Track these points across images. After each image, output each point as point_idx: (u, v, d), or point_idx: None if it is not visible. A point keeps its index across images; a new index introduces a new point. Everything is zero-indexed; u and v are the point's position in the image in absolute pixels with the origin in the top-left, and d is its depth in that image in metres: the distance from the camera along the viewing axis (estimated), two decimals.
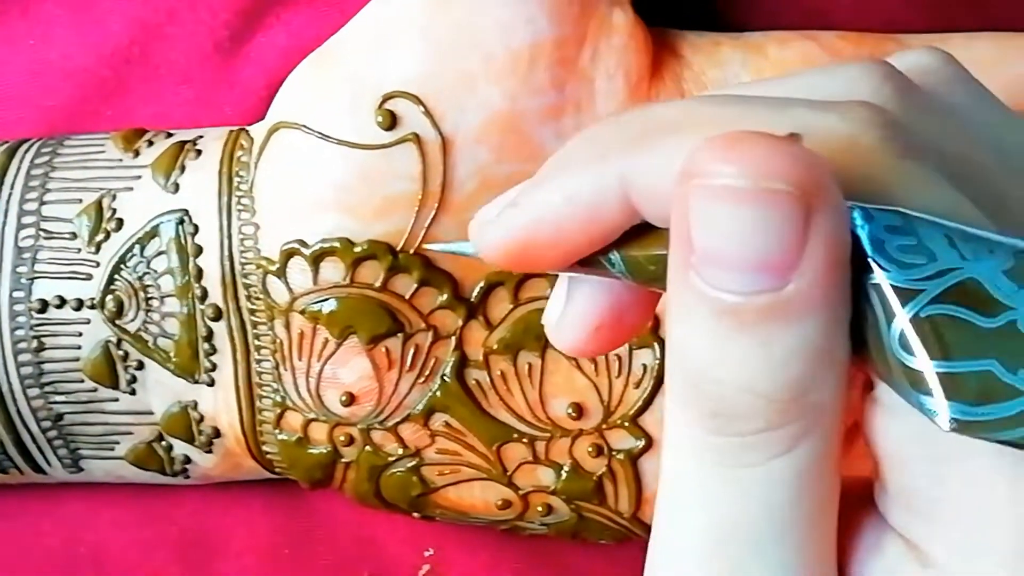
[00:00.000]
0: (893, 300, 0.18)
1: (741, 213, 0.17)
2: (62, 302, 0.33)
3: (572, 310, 0.23)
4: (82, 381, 0.34)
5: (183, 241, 0.33)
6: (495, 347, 0.33)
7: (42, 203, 0.34)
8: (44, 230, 0.33)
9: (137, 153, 0.34)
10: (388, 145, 0.31)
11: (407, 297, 0.32)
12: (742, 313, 0.18)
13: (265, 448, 0.35)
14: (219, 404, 0.34)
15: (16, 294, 0.33)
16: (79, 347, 0.33)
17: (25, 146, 0.35)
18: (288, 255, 0.32)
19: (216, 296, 0.33)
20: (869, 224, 0.18)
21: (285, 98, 0.33)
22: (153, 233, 0.33)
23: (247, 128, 0.34)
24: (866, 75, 0.21)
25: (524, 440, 0.34)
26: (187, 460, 0.35)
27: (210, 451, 0.35)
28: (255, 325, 0.33)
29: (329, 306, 0.32)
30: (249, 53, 0.37)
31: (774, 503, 0.19)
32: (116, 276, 0.33)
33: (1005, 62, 0.33)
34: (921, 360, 0.18)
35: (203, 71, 0.37)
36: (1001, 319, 0.18)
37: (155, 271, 0.33)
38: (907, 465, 0.20)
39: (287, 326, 0.33)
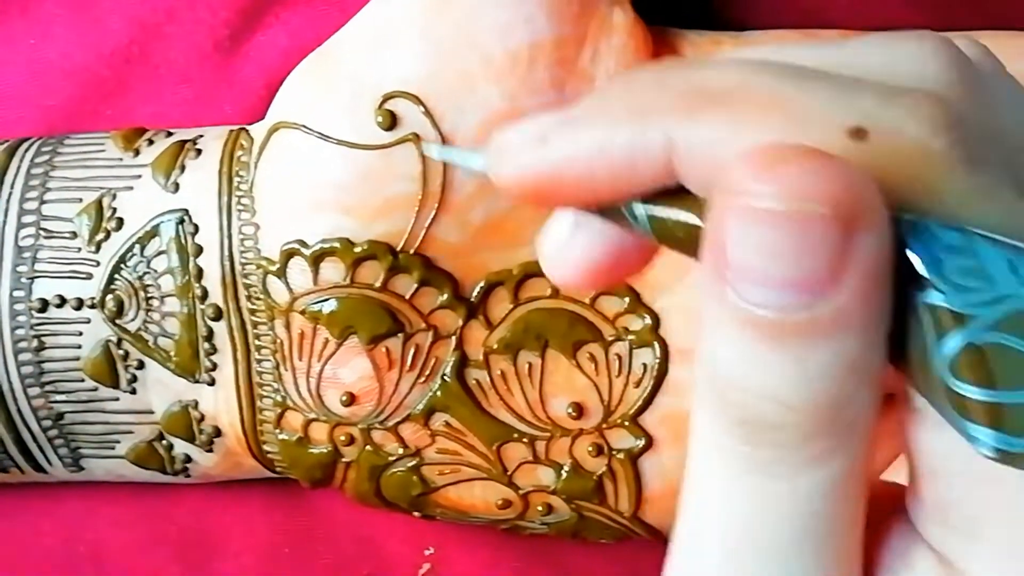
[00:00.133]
0: (946, 323, 0.17)
1: (777, 234, 0.17)
2: (62, 301, 0.33)
3: (573, 248, 0.23)
4: (82, 380, 0.34)
5: (183, 241, 0.33)
6: (495, 347, 0.33)
7: (42, 202, 0.34)
8: (44, 229, 0.33)
9: (137, 152, 0.34)
10: (388, 145, 0.31)
11: (407, 297, 0.32)
12: (777, 328, 0.18)
13: (266, 447, 0.35)
14: (220, 403, 0.34)
15: (16, 293, 0.33)
16: (79, 346, 0.33)
17: (25, 145, 0.35)
18: (288, 255, 0.32)
19: (216, 296, 0.33)
20: (928, 241, 0.18)
21: (285, 98, 0.33)
22: (153, 232, 0.33)
23: (247, 128, 0.34)
24: (933, 55, 0.20)
25: (524, 440, 0.34)
26: (188, 459, 0.35)
27: (211, 450, 0.35)
28: (255, 325, 0.33)
29: (329, 306, 0.32)
30: (249, 52, 0.37)
31: (798, 516, 0.19)
32: (116, 275, 0.33)
33: (1007, 60, 0.33)
34: (968, 387, 0.17)
35: (203, 70, 0.37)
36: None
37: (155, 271, 0.33)
38: (947, 480, 0.19)
39: (287, 326, 0.33)
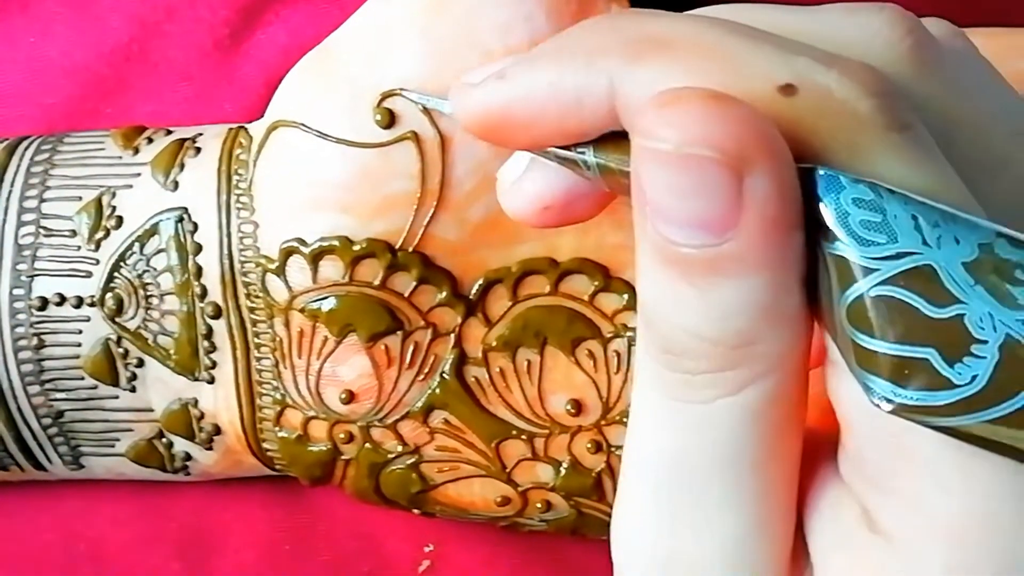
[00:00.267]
0: (848, 274, 0.18)
1: (675, 176, 0.18)
2: (62, 300, 0.33)
3: (527, 182, 0.24)
4: (82, 378, 0.34)
5: (182, 239, 0.33)
6: (494, 344, 0.33)
7: (42, 200, 0.34)
8: (44, 228, 0.34)
9: (137, 151, 0.34)
10: (387, 143, 0.31)
11: (406, 295, 0.33)
12: (685, 263, 0.19)
13: (265, 445, 0.35)
14: (219, 401, 0.34)
15: (16, 292, 0.33)
16: (79, 344, 0.34)
17: (25, 143, 0.35)
18: (287, 253, 0.32)
19: (215, 294, 0.33)
20: (836, 192, 0.18)
21: (284, 96, 0.33)
22: (153, 231, 0.33)
23: (246, 126, 0.34)
24: (887, 25, 0.21)
25: (523, 437, 0.34)
26: (187, 457, 0.35)
27: (210, 448, 0.35)
28: (255, 323, 0.33)
29: (328, 304, 0.32)
30: (248, 51, 0.37)
31: (718, 441, 0.20)
32: (116, 274, 0.33)
33: (1002, 58, 0.33)
34: (864, 337, 0.18)
35: (202, 69, 0.37)
36: (949, 311, 0.18)
37: (155, 269, 0.33)
38: (861, 432, 0.20)
39: (287, 324, 0.33)
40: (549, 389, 0.34)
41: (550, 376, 0.33)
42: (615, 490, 0.33)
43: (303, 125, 0.32)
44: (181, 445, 0.35)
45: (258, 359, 0.34)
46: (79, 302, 0.33)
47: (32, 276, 0.33)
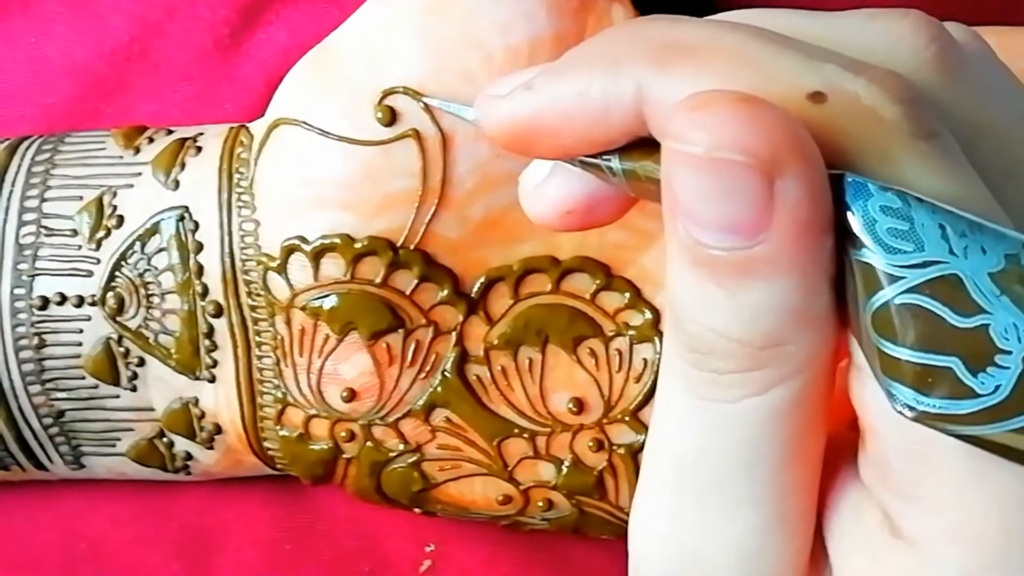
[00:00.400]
0: (874, 281, 0.18)
1: (705, 179, 0.18)
2: (63, 299, 0.33)
3: (549, 187, 0.24)
4: (83, 378, 0.34)
5: (184, 238, 0.33)
6: (496, 342, 0.33)
7: (43, 200, 0.34)
8: (45, 227, 0.34)
9: (138, 150, 0.34)
10: (388, 141, 0.31)
11: (407, 293, 0.33)
12: (715, 265, 0.19)
13: (266, 444, 0.35)
14: (220, 400, 0.34)
15: (17, 291, 0.33)
16: (80, 344, 0.33)
17: (26, 143, 0.35)
18: (288, 251, 0.32)
19: (217, 293, 0.33)
20: (864, 200, 0.18)
21: (285, 95, 0.33)
22: (154, 230, 0.33)
23: (247, 125, 0.34)
24: (912, 31, 0.21)
25: (525, 435, 0.34)
26: (188, 456, 0.35)
27: (211, 447, 0.35)
28: (256, 321, 0.33)
29: (330, 302, 0.32)
30: (249, 50, 0.37)
31: (742, 440, 0.20)
32: (117, 273, 0.33)
33: (1006, 57, 0.33)
34: (888, 344, 0.18)
35: (203, 68, 0.37)
36: (974, 321, 0.18)
37: (156, 268, 0.33)
38: (886, 440, 0.20)
39: (288, 322, 0.33)
40: (551, 387, 0.34)
41: (552, 374, 0.33)
42: (617, 488, 0.34)
43: (304, 123, 0.32)
44: (182, 444, 0.35)
45: (259, 358, 0.34)
46: (80, 301, 0.33)
47: (33, 275, 0.33)
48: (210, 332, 0.33)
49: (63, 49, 0.37)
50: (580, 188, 0.24)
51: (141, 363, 0.34)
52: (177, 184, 0.34)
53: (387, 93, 0.31)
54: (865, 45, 0.21)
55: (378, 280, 0.32)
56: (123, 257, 0.33)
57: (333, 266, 0.32)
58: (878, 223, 0.18)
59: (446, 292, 0.33)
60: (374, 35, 0.32)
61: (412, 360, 0.33)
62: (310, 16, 0.36)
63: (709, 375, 0.20)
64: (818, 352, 0.20)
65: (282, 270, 0.32)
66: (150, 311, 0.33)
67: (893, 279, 0.18)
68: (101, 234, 0.33)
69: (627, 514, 0.34)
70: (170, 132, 0.35)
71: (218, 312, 0.33)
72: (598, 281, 0.33)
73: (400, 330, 0.33)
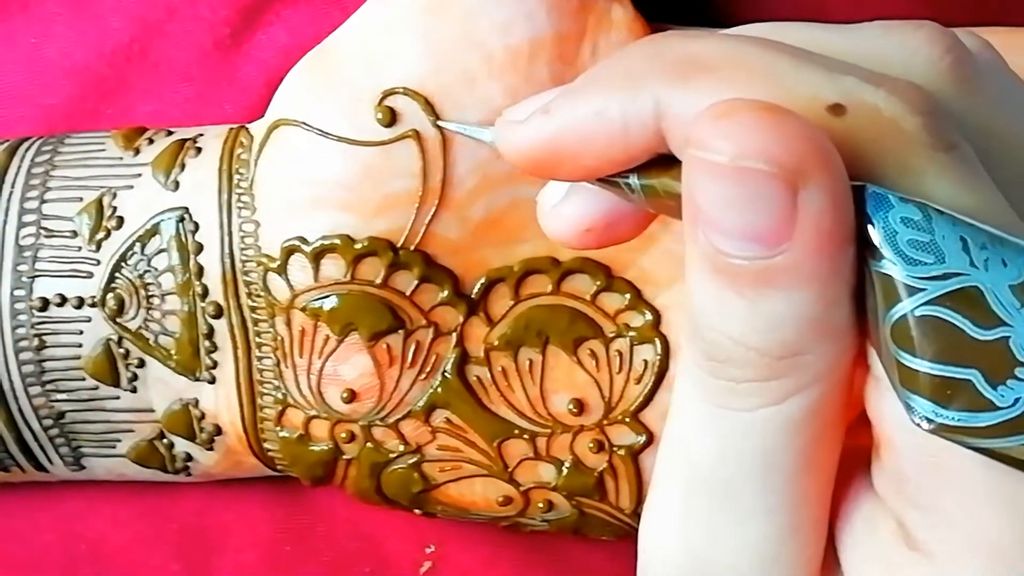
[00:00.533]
0: (894, 293, 0.18)
1: (728, 187, 0.18)
2: (63, 300, 0.33)
3: (567, 206, 0.24)
4: (83, 379, 0.34)
5: (184, 239, 0.33)
6: (496, 343, 0.33)
7: (43, 201, 0.34)
8: (45, 228, 0.34)
9: (137, 151, 0.34)
10: (388, 142, 0.31)
11: (408, 294, 0.32)
12: (735, 274, 0.19)
13: (266, 445, 0.35)
14: (220, 401, 0.34)
15: (17, 292, 0.33)
16: (80, 345, 0.33)
17: (26, 144, 0.35)
18: (289, 252, 0.32)
19: (217, 294, 0.33)
20: (885, 211, 0.18)
21: (285, 95, 0.33)
22: (154, 231, 0.33)
23: (247, 126, 0.34)
24: (927, 43, 0.21)
25: (525, 436, 0.34)
26: (188, 458, 0.35)
27: (211, 448, 0.35)
28: (256, 322, 0.33)
29: (330, 303, 0.32)
30: (249, 51, 0.37)
31: (757, 449, 0.20)
32: (117, 274, 0.33)
33: (1007, 57, 0.33)
34: (907, 356, 0.18)
35: (203, 69, 0.37)
36: (994, 333, 0.18)
37: (156, 269, 0.33)
38: (903, 452, 0.20)
39: (288, 323, 0.33)
40: (551, 388, 0.33)
41: (552, 375, 0.33)
42: (617, 490, 0.34)
43: (304, 124, 0.32)
44: (182, 446, 0.35)
45: (259, 359, 0.34)
46: (80, 303, 0.33)
47: (33, 277, 0.33)
48: (210, 333, 0.33)
49: (63, 50, 0.37)
50: (599, 206, 0.24)
51: (141, 364, 0.34)
52: (177, 185, 0.34)
53: (387, 93, 0.31)
54: (881, 57, 0.21)
55: (378, 281, 0.32)
56: (123, 258, 0.33)
57: (333, 267, 0.32)
58: (898, 234, 0.18)
59: (446, 293, 0.33)
60: (374, 35, 0.32)
61: (412, 361, 0.33)
62: (310, 17, 0.36)
63: (726, 383, 0.20)
64: (836, 363, 0.20)
65: (282, 271, 0.32)
66: (150, 312, 0.33)
67: (913, 291, 0.18)
68: (101, 235, 0.33)
69: (627, 515, 0.34)
70: (170, 133, 0.35)
71: (218, 313, 0.33)
72: (598, 282, 0.33)
73: (400, 331, 0.33)
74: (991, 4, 0.35)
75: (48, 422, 0.34)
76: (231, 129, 0.34)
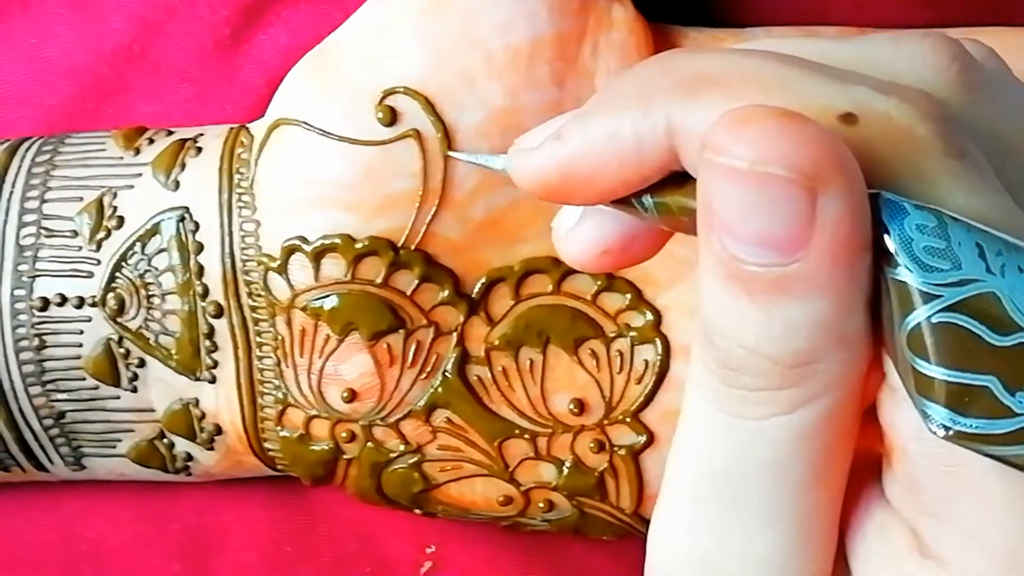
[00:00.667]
0: (910, 300, 0.18)
1: (746, 193, 0.18)
2: (63, 300, 0.33)
3: (583, 229, 0.24)
4: (83, 379, 0.34)
5: (184, 238, 0.33)
6: (496, 343, 0.33)
7: (43, 201, 0.34)
8: (45, 228, 0.34)
9: (138, 151, 0.34)
10: (388, 141, 0.31)
11: (408, 293, 0.32)
12: (750, 281, 0.19)
13: (267, 445, 0.35)
14: (220, 401, 0.34)
15: (17, 292, 0.33)
16: (80, 345, 0.33)
17: (26, 144, 0.35)
18: (289, 252, 0.32)
19: (217, 293, 0.33)
20: (900, 218, 0.18)
21: (285, 95, 0.33)
22: (154, 231, 0.33)
23: (247, 125, 0.34)
24: (933, 52, 0.21)
25: (525, 436, 0.34)
26: (189, 457, 0.35)
27: (212, 448, 0.35)
28: (256, 322, 0.33)
29: (330, 302, 0.32)
30: (250, 51, 0.37)
31: (766, 458, 0.20)
32: (117, 274, 0.33)
33: (1007, 57, 0.33)
34: (924, 363, 0.18)
35: (204, 69, 0.37)
36: (1012, 339, 0.18)
37: (156, 268, 0.33)
38: (918, 461, 0.20)
39: (288, 323, 0.33)
40: (552, 388, 0.33)
41: (552, 375, 0.33)
42: (618, 490, 0.34)
43: (305, 123, 0.32)
44: (182, 445, 0.35)
45: (260, 358, 0.34)
46: (80, 302, 0.33)
47: (33, 277, 0.33)
48: (210, 333, 0.33)
49: (63, 50, 0.37)
50: (614, 228, 0.24)
51: (141, 364, 0.34)
52: (177, 185, 0.34)
53: (387, 93, 0.31)
54: (889, 68, 0.21)
55: (379, 280, 0.32)
56: (123, 258, 0.33)
57: (334, 266, 0.32)
58: (914, 241, 0.18)
59: (447, 292, 0.33)
60: (374, 35, 0.32)
61: (413, 361, 0.33)
62: (311, 17, 0.36)
63: (738, 392, 0.20)
64: (849, 372, 0.19)
65: (283, 270, 0.32)
66: (150, 312, 0.33)
67: (929, 297, 0.18)
68: (101, 235, 0.33)
69: (628, 515, 0.34)
70: (170, 133, 0.35)
71: (219, 313, 0.33)
72: (599, 282, 0.33)
73: (401, 330, 0.33)
74: (991, 4, 0.35)
75: (48, 422, 0.34)
76: (231, 129, 0.34)
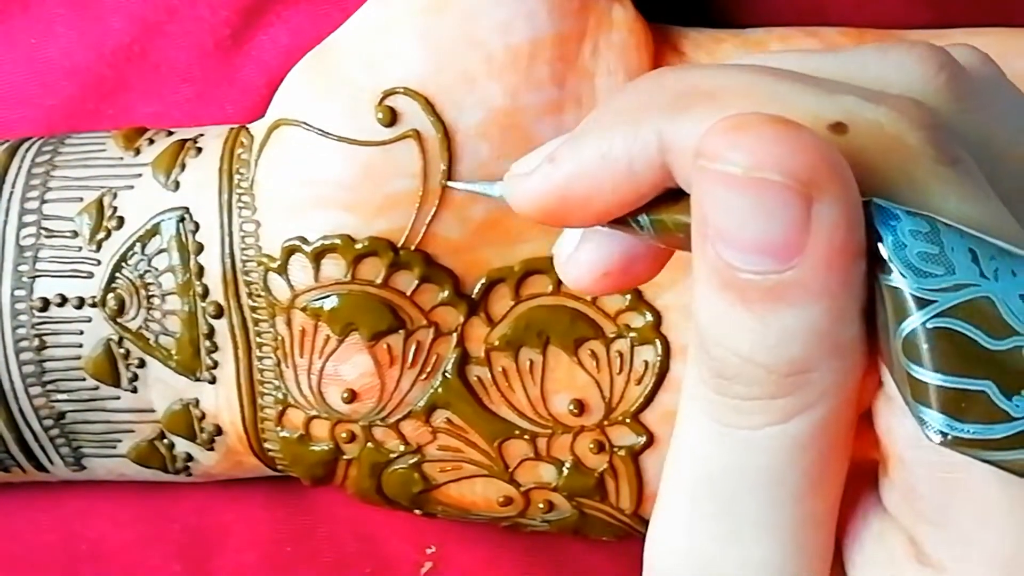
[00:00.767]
0: (905, 306, 0.18)
1: (740, 199, 0.18)
2: (63, 300, 0.33)
3: (584, 252, 0.24)
4: (84, 379, 0.34)
5: (184, 239, 0.33)
6: (496, 343, 0.33)
7: (43, 202, 0.34)
8: (45, 228, 0.34)
9: (138, 151, 0.34)
10: (388, 142, 0.31)
11: (408, 294, 0.32)
12: (745, 289, 0.18)
13: (267, 445, 0.35)
14: (220, 401, 0.34)
15: (18, 292, 0.33)
16: (80, 345, 0.33)
17: (26, 145, 0.35)
18: (289, 252, 0.32)
19: (217, 294, 0.33)
20: (894, 225, 0.18)
21: (285, 95, 0.33)
22: (154, 231, 0.33)
23: (247, 126, 0.34)
24: (921, 62, 0.21)
25: (525, 437, 0.34)
26: (189, 458, 0.35)
27: (212, 449, 0.35)
28: (256, 322, 0.33)
29: (330, 303, 0.32)
30: (250, 51, 0.37)
31: (761, 467, 0.20)
32: (117, 274, 0.33)
33: (1007, 58, 0.33)
34: (919, 369, 0.18)
35: (204, 69, 0.37)
36: (1007, 343, 0.18)
37: (156, 269, 0.33)
38: (915, 467, 0.20)
39: (288, 323, 0.33)
40: (551, 389, 0.33)
41: (552, 376, 0.33)
42: (617, 490, 0.34)
43: (305, 124, 0.32)
44: (182, 446, 0.35)
45: (260, 359, 0.34)
46: (80, 303, 0.33)
47: (33, 277, 0.33)
48: (211, 333, 0.33)
49: (63, 50, 0.37)
50: (613, 250, 0.24)
51: (142, 364, 0.34)
52: (177, 185, 0.34)
53: (387, 93, 0.31)
54: (878, 79, 0.21)
55: (379, 281, 0.32)
56: (123, 258, 0.33)
57: (334, 267, 0.32)
58: (907, 247, 0.18)
59: (447, 293, 0.33)
60: (374, 35, 0.32)
61: (413, 361, 0.33)
62: (311, 17, 0.36)
63: (732, 401, 0.20)
64: (844, 380, 0.19)
65: (283, 271, 0.32)
66: (150, 312, 0.33)
67: (924, 303, 0.18)
68: (101, 235, 0.33)
69: (628, 516, 0.34)
70: (170, 133, 0.35)
71: (219, 313, 0.33)
72: None
73: (401, 331, 0.33)
74: (991, 4, 0.35)
75: (48, 422, 0.34)
76: (231, 129, 0.34)
